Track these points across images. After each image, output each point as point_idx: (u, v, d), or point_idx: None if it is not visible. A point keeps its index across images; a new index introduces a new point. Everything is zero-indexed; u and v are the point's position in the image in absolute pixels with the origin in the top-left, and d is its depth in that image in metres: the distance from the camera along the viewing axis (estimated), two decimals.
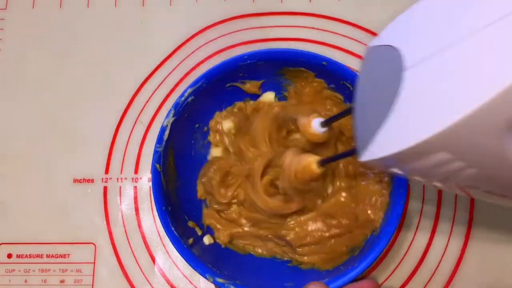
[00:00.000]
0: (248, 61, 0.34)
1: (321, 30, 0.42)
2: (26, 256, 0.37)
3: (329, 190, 0.35)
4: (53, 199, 0.39)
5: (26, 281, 0.37)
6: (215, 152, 0.37)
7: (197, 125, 0.36)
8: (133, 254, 0.37)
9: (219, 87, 0.35)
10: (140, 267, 0.37)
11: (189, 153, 0.36)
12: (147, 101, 0.41)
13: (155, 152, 0.33)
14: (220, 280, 0.30)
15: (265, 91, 0.37)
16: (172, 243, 0.31)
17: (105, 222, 0.38)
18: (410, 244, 0.36)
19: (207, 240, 0.35)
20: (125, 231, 0.38)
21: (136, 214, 0.38)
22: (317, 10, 0.42)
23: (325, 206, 0.34)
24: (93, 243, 0.38)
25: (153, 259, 0.37)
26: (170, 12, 0.43)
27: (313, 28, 0.42)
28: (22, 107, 0.41)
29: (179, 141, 0.34)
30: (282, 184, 0.32)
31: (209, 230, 0.36)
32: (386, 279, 0.36)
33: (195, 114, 0.35)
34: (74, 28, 0.43)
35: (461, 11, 0.20)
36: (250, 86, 0.36)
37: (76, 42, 0.42)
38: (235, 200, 0.35)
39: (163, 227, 0.31)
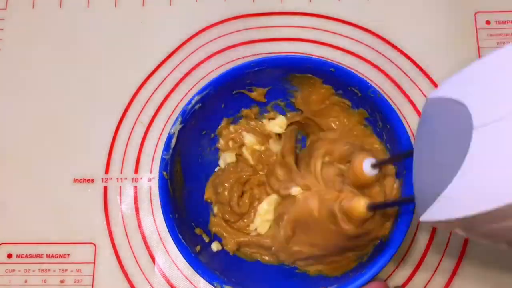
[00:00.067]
0: (256, 68, 0.34)
1: (321, 30, 0.42)
2: (26, 256, 0.37)
3: None
4: (53, 199, 0.39)
5: (26, 281, 0.37)
6: (229, 158, 0.37)
7: (204, 132, 0.36)
8: (133, 254, 0.37)
9: (226, 94, 0.35)
10: (140, 267, 0.37)
11: (196, 160, 0.36)
12: (147, 101, 0.41)
13: (162, 160, 0.32)
14: (227, 287, 0.30)
15: (271, 98, 0.37)
16: (180, 251, 0.31)
17: (105, 222, 0.38)
18: (410, 244, 0.36)
19: (215, 247, 0.34)
20: (125, 231, 0.38)
21: (136, 214, 0.38)
22: (317, 10, 0.42)
23: None
24: (93, 243, 0.38)
25: (153, 259, 0.37)
26: (170, 12, 0.43)
27: (313, 28, 0.42)
28: (22, 107, 0.41)
29: (186, 148, 0.34)
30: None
31: (216, 237, 0.35)
32: (386, 279, 0.36)
33: (202, 121, 0.35)
34: (74, 28, 0.43)
35: None
36: (257, 93, 0.36)
37: (76, 42, 0.42)
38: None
39: (171, 235, 0.31)
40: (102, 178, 0.39)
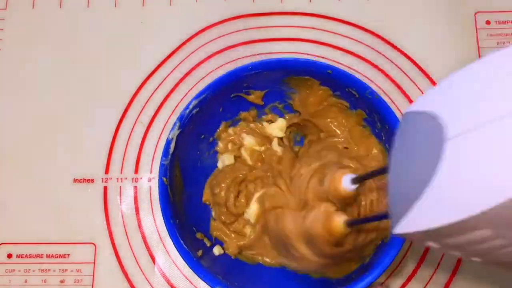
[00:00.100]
0: (253, 71, 0.34)
1: (321, 30, 0.42)
2: (26, 256, 0.37)
3: None
4: (53, 199, 0.39)
5: (26, 281, 0.37)
6: (227, 159, 0.37)
7: (202, 136, 0.36)
8: (133, 254, 0.37)
9: (224, 98, 0.35)
10: (140, 267, 0.37)
11: (195, 164, 0.36)
12: (147, 101, 0.41)
13: (161, 165, 0.32)
14: None
15: (269, 101, 0.37)
16: (182, 256, 0.30)
17: (105, 222, 0.38)
18: (411, 244, 0.36)
19: (217, 251, 0.34)
20: (125, 231, 0.38)
21: (136, 214, 0.38)
22: (317, 10, 0.42)
23: None
24: (93, 243, 0.38)
25: (153, 259, 0.37)
26: (170, 12, 0.43)
27: (313, 28, 0.42)
28: (22, 107, 0.41)
29: (184, 153, 0.34)
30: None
31: (218, 241, 0.35)
32: (386, 279, 0.36)
33: (200, 126, 0.35)
34: (74, 28, 0.43)
35: (508, 83, 0.19)
36: (254, 96, 0.36)
37: (76, 42, 0.42)
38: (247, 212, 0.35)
39: (172, 240, 0.31)
40: (102, 178, 0.39)
